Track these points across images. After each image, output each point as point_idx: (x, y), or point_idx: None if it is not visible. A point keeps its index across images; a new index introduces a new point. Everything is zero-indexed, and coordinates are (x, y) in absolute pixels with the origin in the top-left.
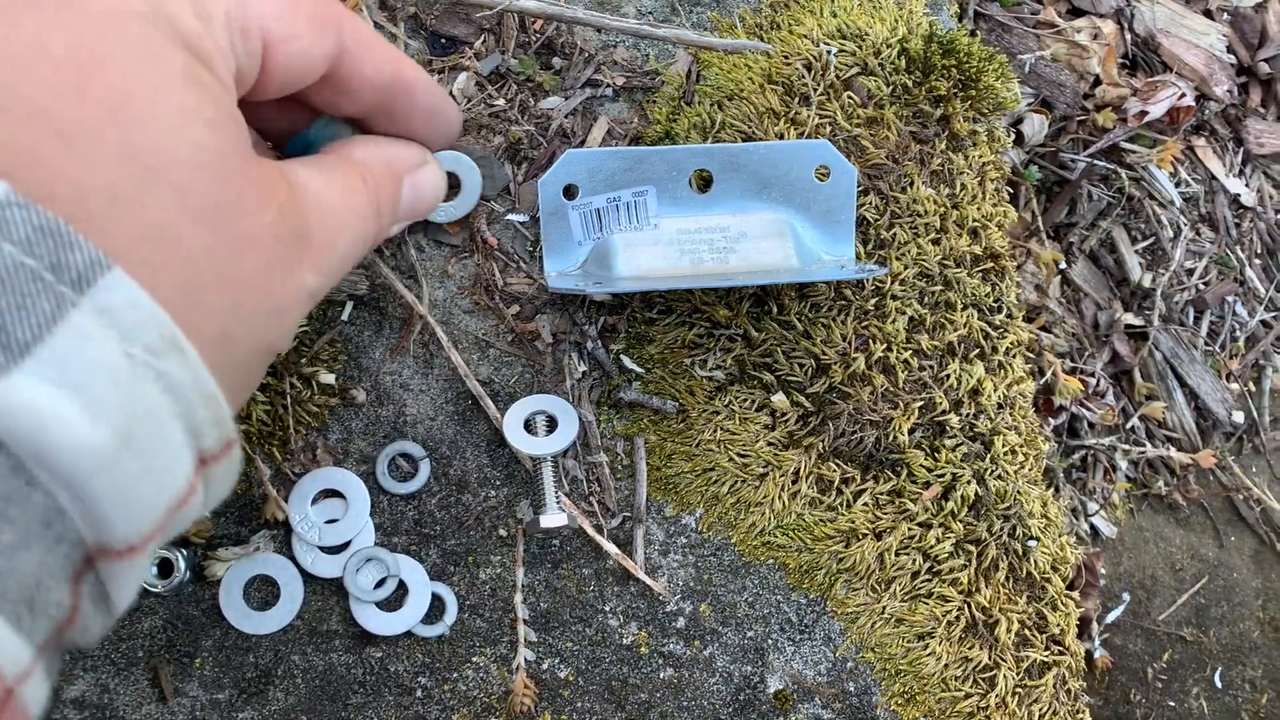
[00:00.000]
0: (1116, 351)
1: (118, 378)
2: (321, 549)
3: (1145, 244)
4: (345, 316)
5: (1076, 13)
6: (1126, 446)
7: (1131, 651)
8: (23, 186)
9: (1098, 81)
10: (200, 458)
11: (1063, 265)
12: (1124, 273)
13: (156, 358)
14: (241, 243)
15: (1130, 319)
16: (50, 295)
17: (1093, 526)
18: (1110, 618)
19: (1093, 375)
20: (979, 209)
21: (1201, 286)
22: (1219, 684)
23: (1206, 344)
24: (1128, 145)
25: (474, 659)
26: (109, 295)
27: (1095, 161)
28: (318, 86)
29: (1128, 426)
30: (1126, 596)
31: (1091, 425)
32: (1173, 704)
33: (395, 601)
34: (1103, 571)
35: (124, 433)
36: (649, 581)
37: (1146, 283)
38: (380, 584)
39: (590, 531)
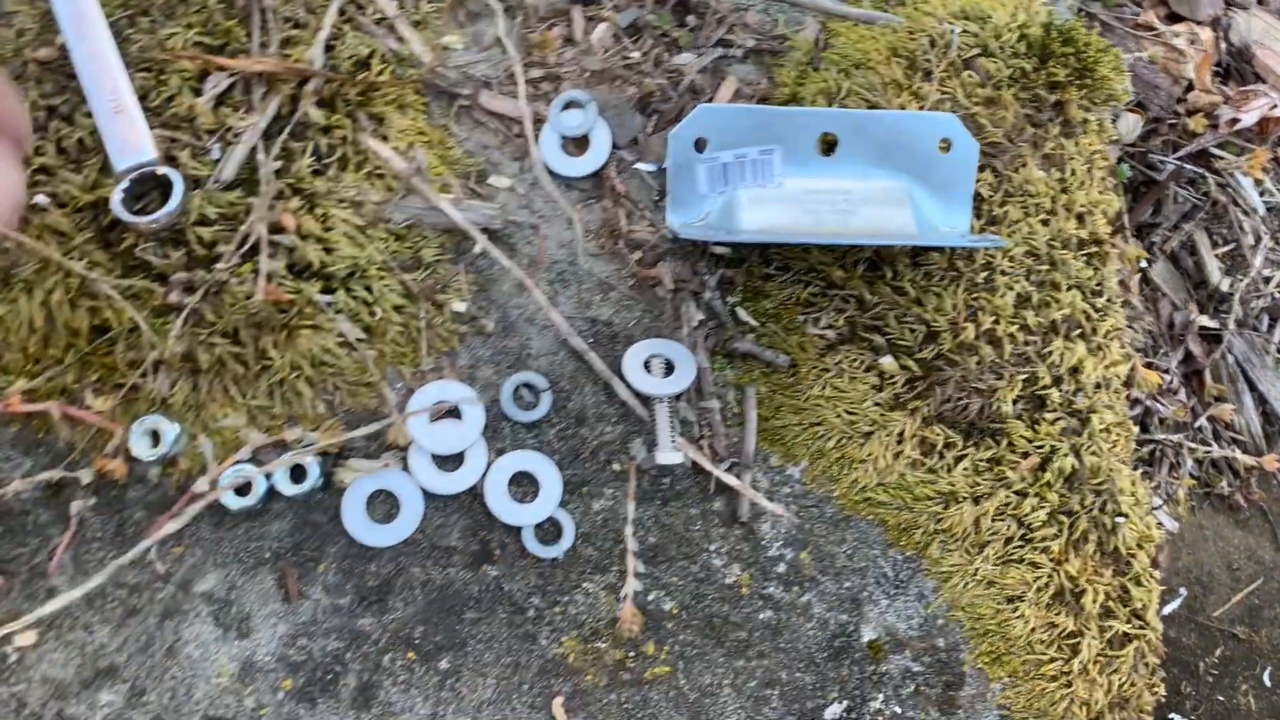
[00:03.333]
0: (1190, 351)
1: None
2: (435, 460)
3: (1226, 249)
4: (477, 250)
5: (1175, 18)
6: (1193, 445)
7: (1185, 645)
8: None
9: (1191, 86)
10: None
11: (1144, 263)
12: (1203, 275)
13: None
14: None
15: (1205, 321)
16: None
17: (1156, 520)
18: (1166, 610)
19: (1167, 372)
20: (1087, 195)
21: (1278, 294)
22: (1268, 683)
23: (1279, 351)
24: (1216, 151)
25: (584, 585)
26: None
27: (1184, 164)
28: None
29: (1195, 425)
30: (1183, 591)
31: (1162, 420)
32: (1222, 699)
33: (526, 496)
34: (1162, 565)
35: None
36: (768, 505)
37: (1224, 287)
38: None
39: (708, 465)
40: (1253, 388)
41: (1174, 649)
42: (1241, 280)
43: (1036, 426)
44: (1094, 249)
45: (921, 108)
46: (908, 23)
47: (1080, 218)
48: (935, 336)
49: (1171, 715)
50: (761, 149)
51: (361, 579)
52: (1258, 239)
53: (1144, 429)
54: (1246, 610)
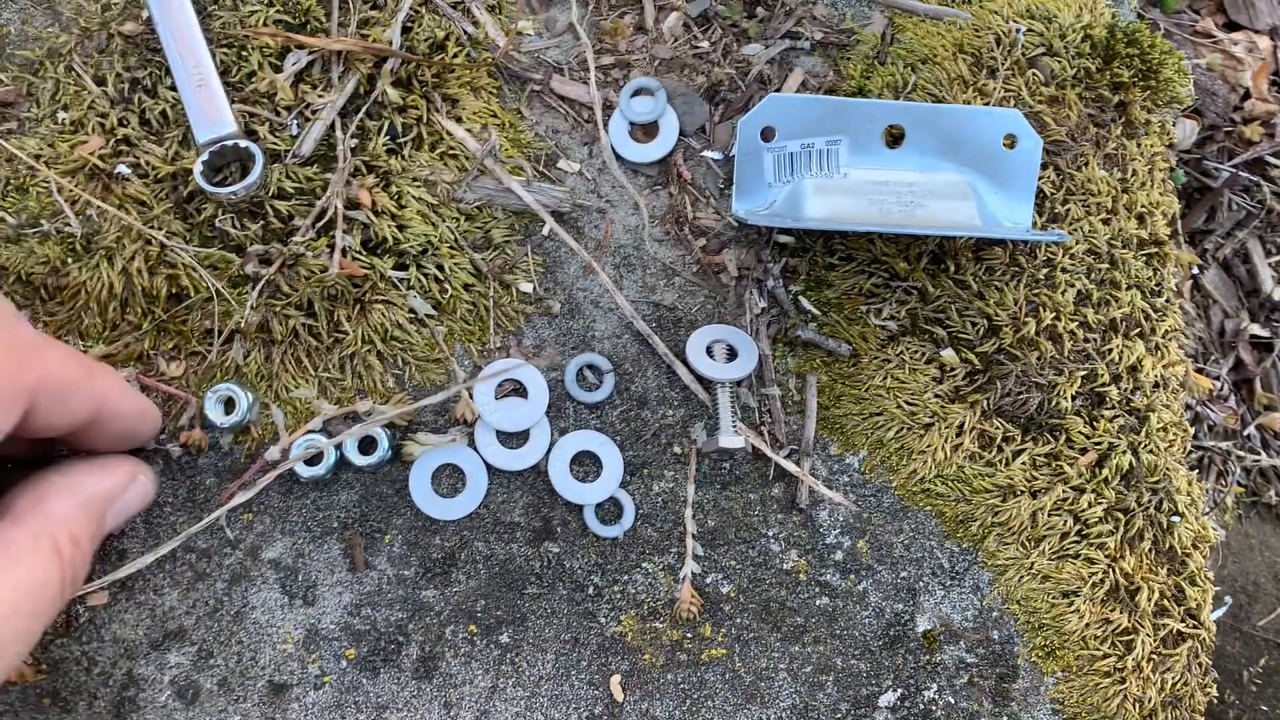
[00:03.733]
0: (1240, 359)
1: None
2: (500, 436)
3: (1279, 258)
4: (545, 232)
5: (1233, 26)
6: (1241, 453)
7: (1229, 653)
8: None
9: (1248, 95)
10: None
11: (1196, 270)
12: (1255, 284)
13: None
14: None
15: (1257, 330)
16: None
17: (1202, 527)
18: (1212, 618)
19: (1217, 379)
20: (1147, 195)
21: None
22: None
23: None
24: (1272, 160)
25: (644, 565)
26: None
27: (1239, 172)
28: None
29: (1245, 433)
30: (1229, 600)
31: (1211, 427)
32: (1265, 708)
33: (588, 475)
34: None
35: None
36: (828, 493)
37: (1276, 296)
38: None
39: (768, 450)
40: None
41: (1218, 657)
42: None
43: (1095, 423)
44: (1154, 249)
45: (986, 104)
46: (974, 20)
47: (1141, 218)
48: (996, 331)
49: None
50: (828, 139)
51: (426, 551)
52: None
53: (1193, 435)
54: None
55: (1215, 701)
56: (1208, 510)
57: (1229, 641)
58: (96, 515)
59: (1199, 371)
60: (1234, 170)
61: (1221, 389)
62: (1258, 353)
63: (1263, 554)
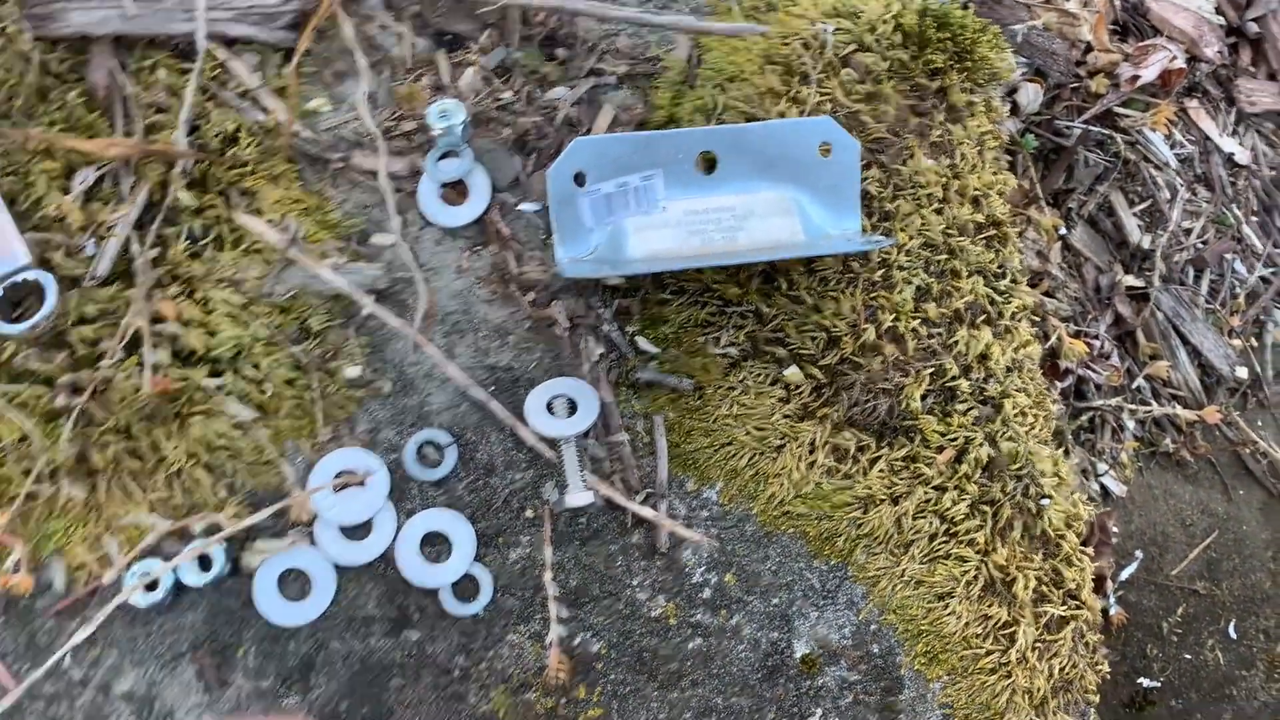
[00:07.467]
0: (1119, 313)
1: None
2: (343, 531)
3: (1143, 206)
4: (366, 312)
5: None
6: (1133, 406)
7: (1146, 607)
8: None
9: (1089, 48)
10: None
11: (1062, 231)
12: (1123, 235)
13: None
14: None
15: (1131, 281)
16: None
17: (1103, 486)
18: (1124, 575)
19: (1097, 338)
20: (979, 178)
21: (1200, 245)
22: (1233, 635)
23: (1207, 302)
24: (1121, 110)
25: (509, 637)
26: None
27: (1090, 127)
28: None
29: (1133, 386)
30: (1139, 554)
31: (1098, 387)
32: (1189, 656)
33: (440, 555)
34: (1114, 530)
35: None
36: (685, 533)
37: (1145, 244)
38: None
39: (621, 500)
40: (1185, 341)
41: (1135, 613)
42: (1162, 235)
43: (949, 419)
44: (993, 231)
45: (803, 112)
46: (779, 28)
47: (975, 201)
48: (837, 341)
49: (1140, 679)
50: (643, 175)
51: (282, 660)
52: (1173, 192)
53: (1081, 397)
54: (1205, 565)
55: (1106, 678)
56: (1105, 469)
57: (1144, 596)
58: None
59: (1076, 335)
60: (1085, 126)
61: (1102, 346)
62: (1135, 304)
63: (1167, 502)
